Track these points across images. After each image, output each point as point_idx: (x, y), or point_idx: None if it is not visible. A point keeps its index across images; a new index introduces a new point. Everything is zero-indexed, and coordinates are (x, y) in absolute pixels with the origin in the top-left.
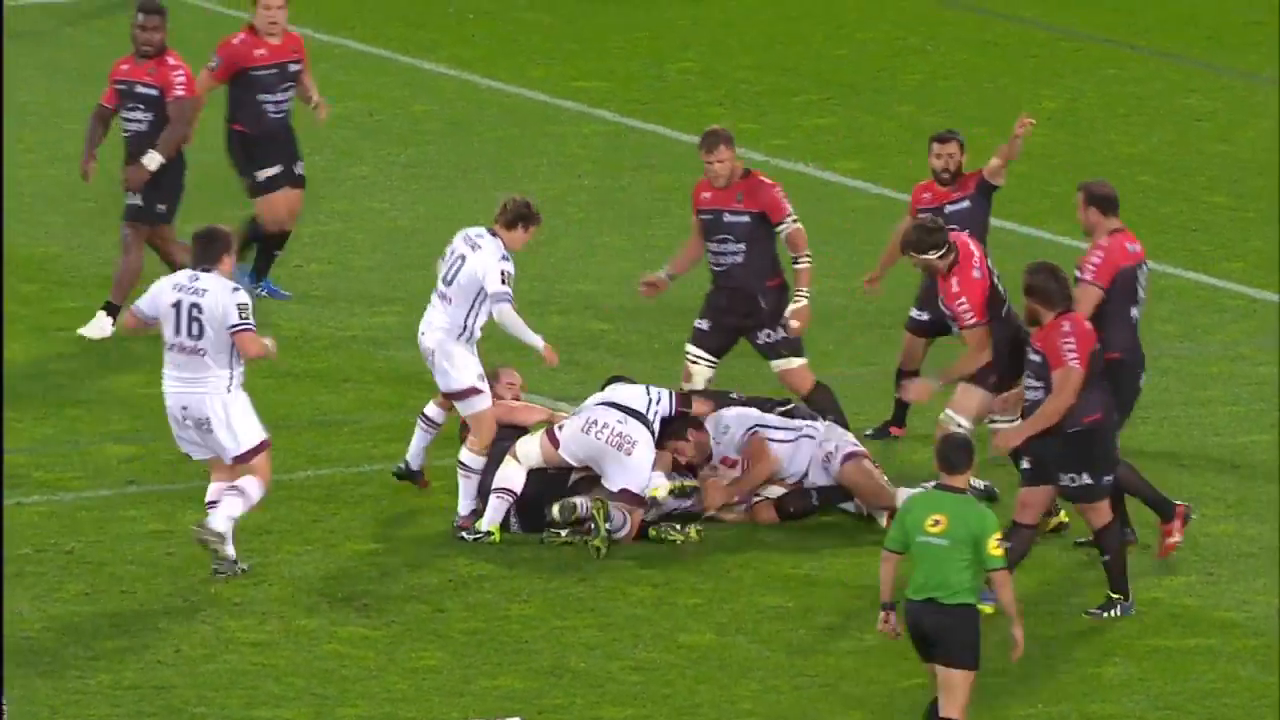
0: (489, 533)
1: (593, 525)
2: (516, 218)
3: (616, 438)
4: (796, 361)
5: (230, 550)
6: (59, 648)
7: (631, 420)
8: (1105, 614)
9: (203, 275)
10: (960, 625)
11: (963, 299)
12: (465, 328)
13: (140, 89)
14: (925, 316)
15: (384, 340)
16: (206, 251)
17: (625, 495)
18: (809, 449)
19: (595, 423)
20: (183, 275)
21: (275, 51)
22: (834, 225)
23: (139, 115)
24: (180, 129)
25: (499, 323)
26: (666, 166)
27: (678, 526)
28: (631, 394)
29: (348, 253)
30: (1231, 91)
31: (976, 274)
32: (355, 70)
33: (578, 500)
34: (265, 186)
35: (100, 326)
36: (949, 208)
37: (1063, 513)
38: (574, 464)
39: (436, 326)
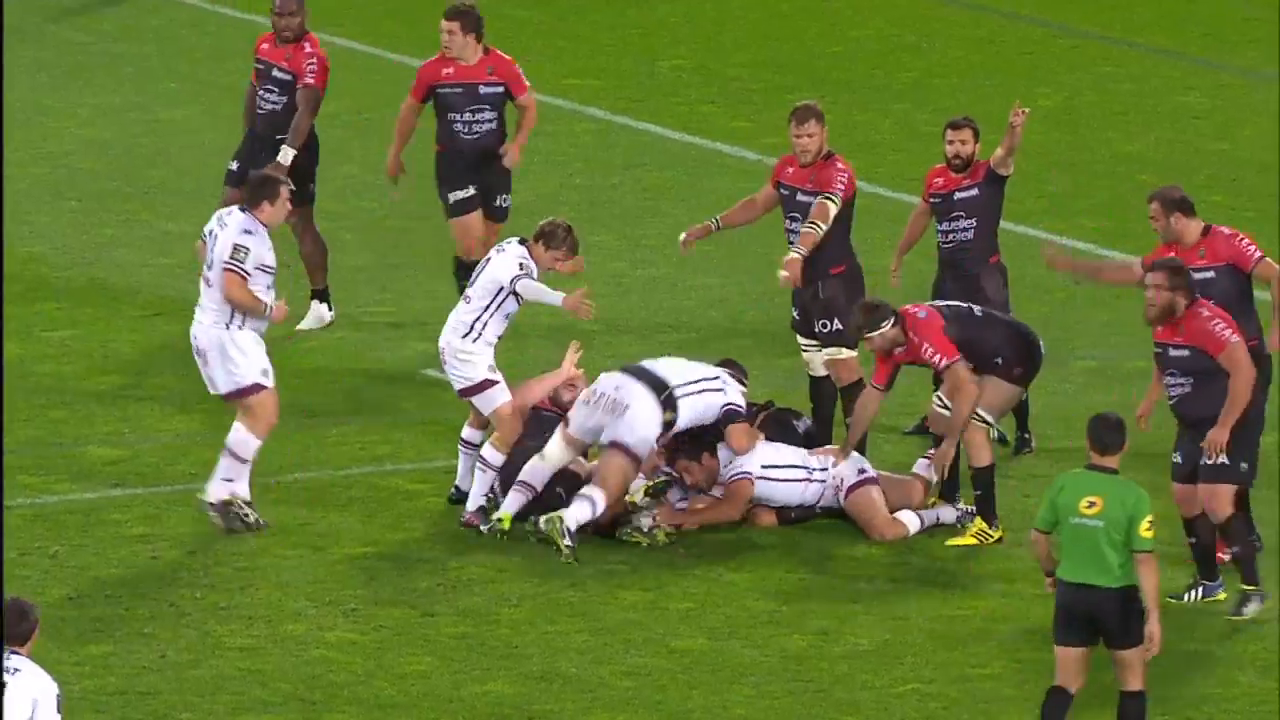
0: (499, 519)
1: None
2: (539, 234)
3: (610, 402)
4: (847, 352)
5: (238, 519)
6: (42, 653)
7: (633, 384)
8: (1246, 609)
9: (235, 211)
10: (1127, 609)
11: (926, 347)
12: (472, 329)
13: (276, 72)
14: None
15: (372, 341)
16: (252, 193)
17: (615, 447)
18: (819, 488)
19: (594, 392)
20: (224, 209)
21: (463, 72)
22: None
23: (273, 98)
24: (307, 119)
25: (523, 296)
26: (658, 165)
27: (644, 529)
28: (672, 368)
29: (336, 251)
30: (1230, 89)
31: (923, 315)
32: (345, 68)
33: (541, 519)
34: (453, 209)
35: (318, 316)
36: (958, 194)
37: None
38: (587, 441)
39: (448, 326)
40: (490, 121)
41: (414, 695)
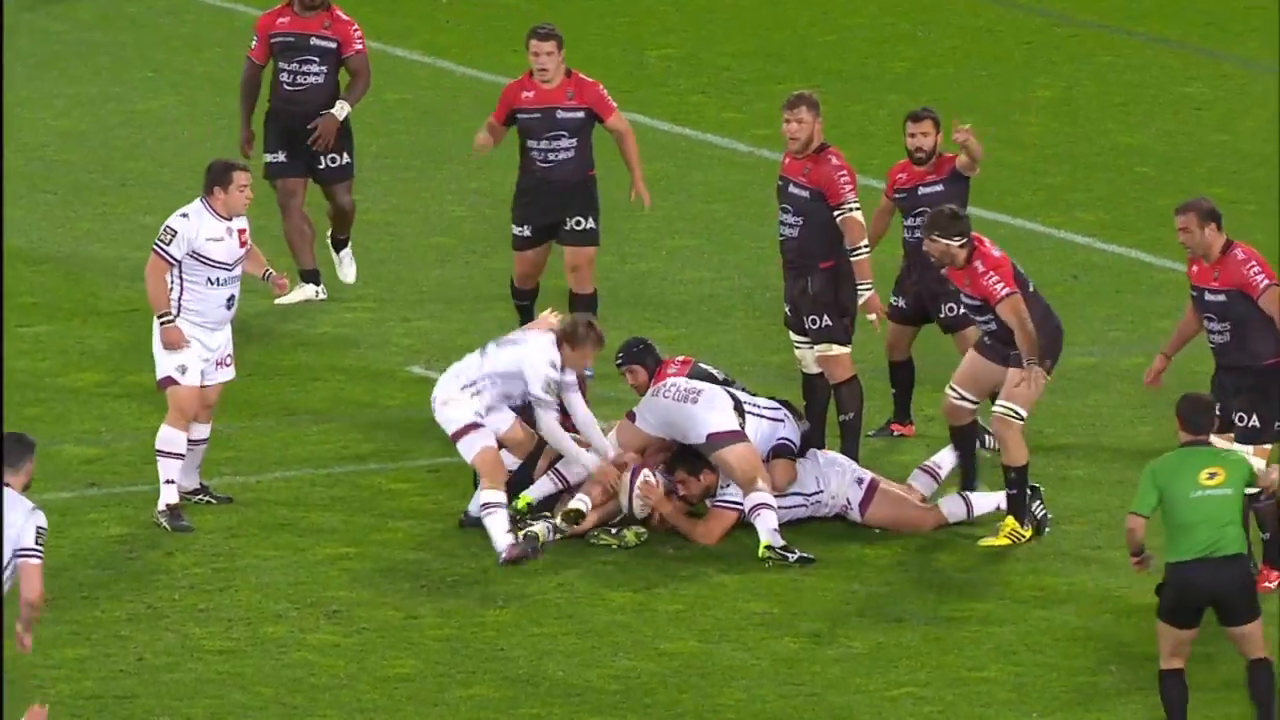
0: (519, 500)
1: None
2: (562, 336)
3: (681, 393)
4: (838, 349)
5: (184, 516)
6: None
7: (705, 385)
8: None
9: (197, 201)
10: (1244, 576)
11: (991, 273)
12: (474, 384)
13: (316, 41)
14: (902, 304)
15: (354, 338)
16: (207, 178)
17: (714, 440)
18: (812, 510)
19: (664, 384)
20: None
21: (543, 96)
22: None
23: (314, 68)
24: (364, 83)
25: (541, 430)
26: (646, 156)
27: (613, 530)
28: (739, 392)
29: (316, 246)
30: (1231, 80)
31: (996, 252)
32: None
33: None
34: (513, 242)
35: (347, 271)
36: (922, 189)
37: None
38: (652, 434)
39: (452, 371)
40: (569, 150)
41: (398, 699)
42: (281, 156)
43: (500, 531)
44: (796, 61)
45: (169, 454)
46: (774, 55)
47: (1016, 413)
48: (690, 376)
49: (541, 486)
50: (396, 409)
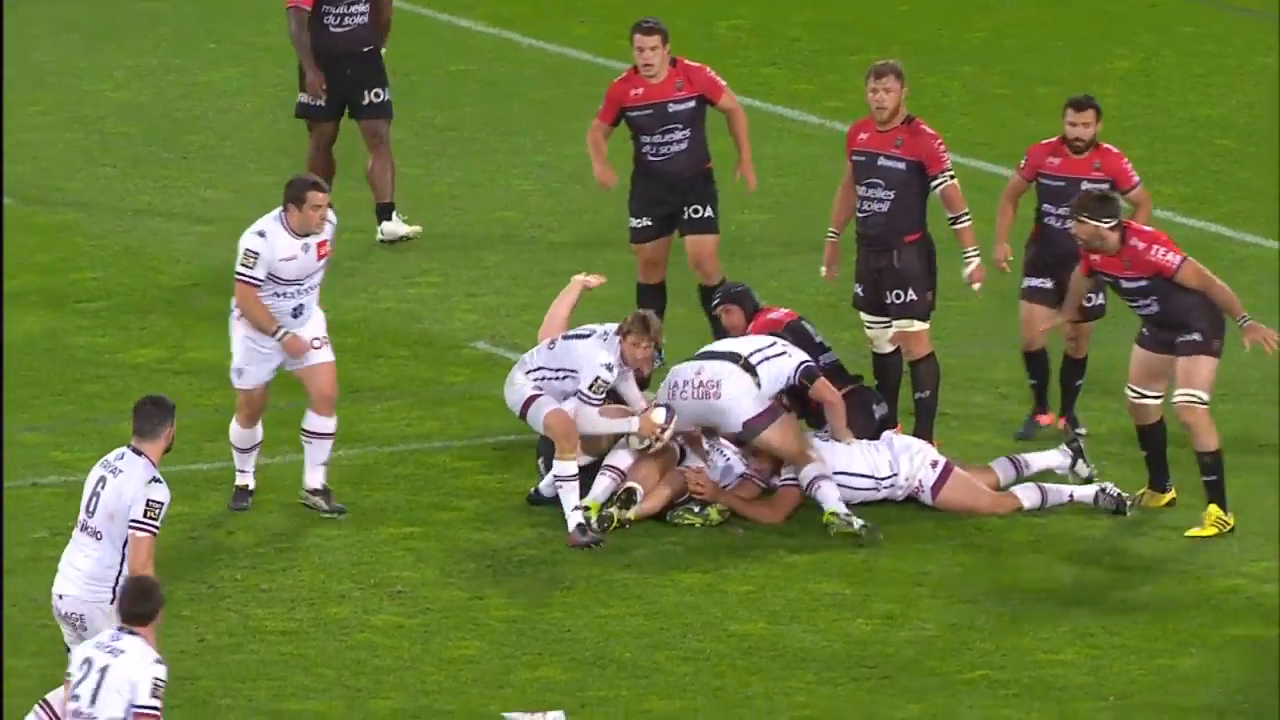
0: (586, 507)
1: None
2: (619, 329)
3: (699, 390)
4: (919, 325)
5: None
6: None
7: (709, 364)
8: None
9: (274, 215)
10: None
11: (1155, 247)
12: (538, 370)
13: None
14: (1049, 285)
15: (418, 313)
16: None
17: (750, 426)
18: (884, 494)
19: (676, 386)
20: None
21: (652, 91)
22: None
23: (360, 8)
24: (387, 13)
25: (581, 425)
26: (717, 129)
27: (695, 509)
28: (731, 344)
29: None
30: None
31: (1149, 229)
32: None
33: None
34: (630, 235)
35: (393, 229)
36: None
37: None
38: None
39: (526, 357)
40: (682, 141)
41: (462, 681)
42: (320, 101)
43: (570, 508)
44: (869, 32)
45: (234, 446)
46: (846, 26)
47: (1199, 398)
48: (788, 330)
49: (598, 486)
50: (461, 385)
